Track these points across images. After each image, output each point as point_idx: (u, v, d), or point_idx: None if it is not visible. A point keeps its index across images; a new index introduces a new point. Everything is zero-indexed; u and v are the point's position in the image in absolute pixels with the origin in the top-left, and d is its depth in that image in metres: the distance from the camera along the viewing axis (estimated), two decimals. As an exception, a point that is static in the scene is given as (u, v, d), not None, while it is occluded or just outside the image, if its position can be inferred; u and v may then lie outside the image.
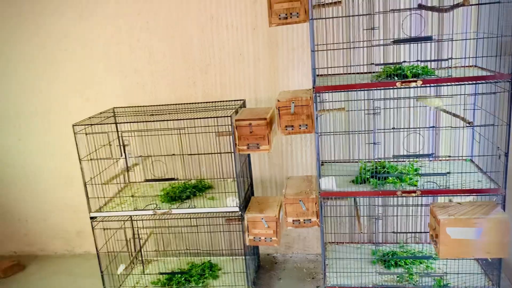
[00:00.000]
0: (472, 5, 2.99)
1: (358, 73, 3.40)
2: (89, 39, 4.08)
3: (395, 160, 3.53)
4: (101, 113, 3.77)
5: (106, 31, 4.03)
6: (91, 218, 3.52)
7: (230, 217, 3.57)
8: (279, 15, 2.98)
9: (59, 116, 4.30)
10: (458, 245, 2.76)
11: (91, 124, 3.44)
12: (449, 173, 3.10)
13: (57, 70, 4.20)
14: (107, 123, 3.50)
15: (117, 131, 3.84)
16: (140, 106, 3.92)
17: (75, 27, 4.07)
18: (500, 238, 2.71)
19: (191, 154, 3.89)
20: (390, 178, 3.15)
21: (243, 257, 3.66)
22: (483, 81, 2.79)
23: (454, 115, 3.03)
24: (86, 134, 3.43)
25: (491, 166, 3.02)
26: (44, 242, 4.76)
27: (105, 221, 3.58)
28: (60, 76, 4.22)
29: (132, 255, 4.03)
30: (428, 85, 2.81)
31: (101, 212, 3.51)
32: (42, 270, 4.48)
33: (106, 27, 4.02)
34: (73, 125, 3.36)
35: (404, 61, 3.10)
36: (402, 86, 2.83)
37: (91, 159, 3.48)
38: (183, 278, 3.77)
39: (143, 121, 3.53)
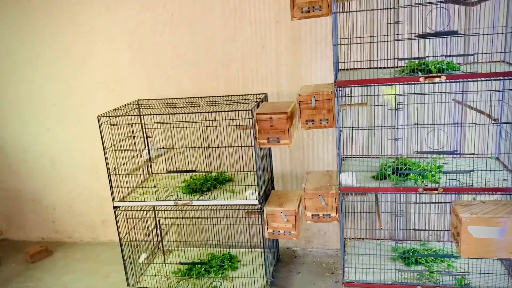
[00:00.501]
0: (501, -2, 2.90)
1: (381, 67, 3.35)
2: (115, 32, 4.16)
3: (417, 156, 3.47)
4: (125, 105, 3.85)
5: (131, 24, 4.10)
6: (115, 207, 3.61)
7: (250, 210, 3.60)
8: (302, 9, 2.97)
9: (86, 107, 4.42)
10: (480, 244, 2.70)
11: (116, 116, 3.52)
12: (472, 170, 3.04)
13: (83, 62, 4.31)
14: (131, 115, 3.58)
15: (141, 122, 3.92)
16: (164, 99, 3.98)
17: (101, 20, 4.16)
18: (524, 238, 2.64)
19: (212, 147, 3.92)
20: (411, 174, 3.11)
21: (262, 249, 3.68)
22: (510, 77, 2.71)
23: (479, 111, 2.96)
24: (111, 125, 3.51)
25: (518, 165, 2.94)
26: (70, 230, 4.91)
27: (128, 210, 3.67)
28: (87, 68, 4.33)
29: (153, 245, 4.12)
30: (453, 80, 2.75)
31: (124, 201, 3.60)
32: (68, 256, 4.63)
33: (131, 20, 4.10)
34: (98, 116, 3.44)
35: (429, 56, 3.04)
36: (425, 82, 2.78)
37: (115, 150, 3.56)
38: (203, 269, 3.83)
39: (166, 114, 3.58)
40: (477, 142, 3.41)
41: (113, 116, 3.51)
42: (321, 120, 3.09)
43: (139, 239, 3.95)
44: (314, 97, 3.04)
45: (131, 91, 4.27)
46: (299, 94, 3.08)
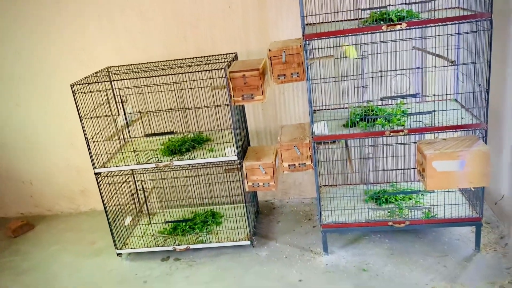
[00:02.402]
0: None
1: (345, 20, 3.49)
2: (82, 0, 4.09)
3: (383, 104, 3.69)
4: (96, 72, 3.85)
5: (94, -9, 4.05)
6: (96, 174, 3.68)
7: (229, 167, 3.75)
8: (267, -35, 3.03)
9: (56, 78, 4.37)
10: (443, 177, 2.97)
11: (88, 83, 3.53)
12: (434, 111, 3.27)
13: (50, 33, 4.24)
14: (103, 81, 3.59)
15: (112, 88, 3.93)
16: (134, 64, 4.00)
17: (64, -12, 4.07)
18: (481, 168, 2.92)
19: (188, 108, 4.00)
20: (379, 119, 3.32)
21: (243, 204, 3.87)
22: (465, 21, 2.91)
23: (438, 55, 3.17)
24: (85, 93, 3.53)
25: (474, 103, 3.20)
26: (50, 203, 4.94)
27: (110, 176, 3.75)
28: (54, 39, 4.25)
29: (137, 208, 4.24)
30: (413, 27, 2.93)
31: (105, 167, 3.67)
32: (51, 228, 4.68)
33: (94, -14, 4.03)
34: (71, 85, 3.45)
35: (389, 5, 3.19)
36: (388, 30, 2.94)
37: (91, 117, 3.59)
38: (187, 226, 4.00)
39: (137, 78, 3.62)
40: (437, 85, 3.66)
41: (86, 83, 3.53)
42: (292, 74, 3.23)
43: (123, 204, 4.05)
44: (284, 51, 3.16)
45: (99, 59, 4.25)
46: (269, 50, 3.19)
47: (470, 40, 3.22)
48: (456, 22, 2.93)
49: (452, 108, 3.43)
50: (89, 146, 3.59)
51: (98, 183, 3.68)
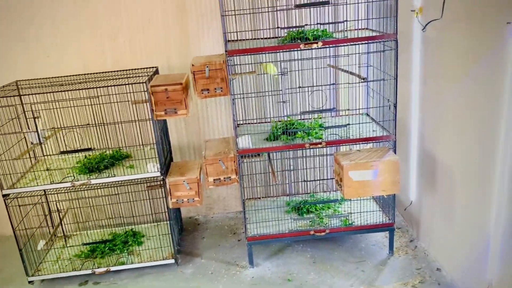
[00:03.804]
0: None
1: (265, 38, 3.61)
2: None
3: (302, 117, 3.86)
4: (3, 86, 3.57)
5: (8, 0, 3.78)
6: (4, 196, 3.39)
7: (152, 184, 3.66)
8: (188, -19, 3.06)
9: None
10: (359, 186, 3.17)
11: (-5, 98, 3.27)
12: (348, 125, 3.49)
13: None
14: (10, 96, 3.34)
15: (22, 104, 3.67)
16: (46, 78, 3.77)
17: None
18: (392, 177, 3.16)
19: (105, 124, 3.85)
20: (299, 133, 3.46)
21: (167, 221, 3.78)
22: (374, 41, 3.17)
23: (350, 72, 3.40)
24: (-10, 108, 3.26)
25: (383, 117, 3.46)
26: None
27: (20, 197, 3.47)
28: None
29: (51, 231, 3.95)
30: (328, 46, 3.12)
31: (14, 188, 3.39)
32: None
33: (0, -5, 3.77)
34: (-26, 100, 3.17)
35: (306, 25, 3.37)
36: (305, 48, 3.10)
37: (-1, 134, 3.32)
38: (107, 248, 3.81)
39: (50, 92, 3.41)
40: (350, 100, 3.91)
41: (-9, 98, 3.26)
42: (215, 88, 3.26)
43: (35, 227, 3.76)
44: (207, 66, 3.19)
45: (8, 72, 3.95)
46: (192, 65, 3.20)
47: (378, 59, 3.50)
48: (366, 42, 3.17)
49: (364, 121, 3.68)
50: (-4, 166, 3.31)
51: (6, 206, 3.39)
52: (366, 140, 3.35)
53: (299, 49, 3.11)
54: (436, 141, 3.30)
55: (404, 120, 3.73)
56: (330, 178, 4.22)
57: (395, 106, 3.26)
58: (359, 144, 3.45)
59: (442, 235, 3.34)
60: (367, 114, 3.89)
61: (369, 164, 3.13)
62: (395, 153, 3.33)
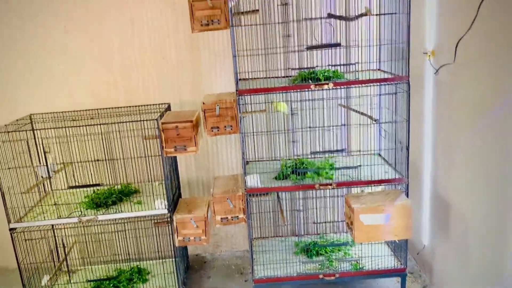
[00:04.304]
0: (373, 15, 3.35)
1: (276, 77, 3.63)
2: (5, 43, 3.89)
3: (313, 156, 3.82)
4: (17, 120, 3.62)
5: (24, 32, 3.87)
6: (11, 229, 3.37)
7: (159, 220, 3.62)
8: (201, 22, 3.12)
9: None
10: (370, 230, 3.08)
11: (8, 132, 3.30)
12: (360, 166, 3.43)
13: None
14: (24, 130, 3.38)
15: (34, 137, 3.70)
16: (59, 112, 3.81)
17: (-16, 30, 3.87)
18: (405, 221, 3.07)
19: (116, 159, 3.86)
20: (308, 173, 3.41)
21: (173, 259, 3.71)
22: (386, 83, 3.15)
23: (362, 113, 3.37)
24: (3, 142, 3.29)
25: (396, 159, 3.40)
26: (-48, 261, 4.41)
27: (27, 231, 3.45)
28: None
29: (56, 266, 3.90)
30: (339, 87, 3.11)
31: (21, 222, 3.38)
32: (-48, 290, 4.16)
33: (23, 29, 3.87)
34: (-13, 133, 3.20)
35: (317, 66, 3.38)
36: (316, 89, 3.10)
37: (9, 168, 3.33)
38: (111, 285, 3.73)
39: (62, 127, 3.45)
40: (361, 141, 3.86)
41: (4, 132, 3.29)
42: (225, 126, 3.26)
43: (40, 261, 3.71)
44: (218, 105, 3.20)
45: (22, 105, 4.01)
46: (203, 103, 3.21)
47: (390, 100, 3.47)
48: (377, 84, 3.16)
49: (376, 163, 3.62)
50: (5, 199, 3.30)
51: (12, 240, 3.37)
52: (378, 182, 3.29)
53: (309, 89, 3.11)
54: (449, 185, 3.22)
55: (416, 163, 3.66)
56: (341, 221, 4.13)
57: (407, 149, 3.21)
58: (371, 186, 3.38)
59: (456, 282, 3.20)
60: (379, 155, 3.83)
61: (381, 208, 3.05)
62: (407, 196, 3.25)
